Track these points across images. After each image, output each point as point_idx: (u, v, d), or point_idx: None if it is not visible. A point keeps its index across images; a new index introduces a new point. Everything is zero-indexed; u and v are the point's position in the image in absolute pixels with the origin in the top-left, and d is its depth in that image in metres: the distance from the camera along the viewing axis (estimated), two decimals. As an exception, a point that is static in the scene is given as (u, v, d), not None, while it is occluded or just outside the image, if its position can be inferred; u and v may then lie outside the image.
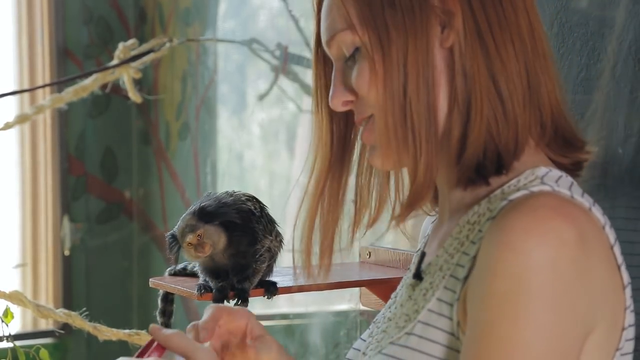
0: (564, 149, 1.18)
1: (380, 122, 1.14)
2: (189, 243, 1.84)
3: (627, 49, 1.67)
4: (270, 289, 1.96)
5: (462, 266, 1.12)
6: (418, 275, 1.21)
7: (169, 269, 2.11)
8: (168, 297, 2.06)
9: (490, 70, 1.12)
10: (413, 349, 1.13)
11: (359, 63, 1.15)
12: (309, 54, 2.97)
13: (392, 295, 1.29)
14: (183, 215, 1.88)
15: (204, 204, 1.87)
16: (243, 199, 1.92)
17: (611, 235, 1.10)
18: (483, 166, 1.13)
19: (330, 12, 1.17)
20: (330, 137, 1.25)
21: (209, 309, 1.23)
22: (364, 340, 1.27)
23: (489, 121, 1.12)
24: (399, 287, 1.28)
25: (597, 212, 1.10)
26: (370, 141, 1.19)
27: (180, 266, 2.08)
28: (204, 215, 1.85)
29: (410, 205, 1.16)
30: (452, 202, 1.21)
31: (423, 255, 1.25)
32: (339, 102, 1.19)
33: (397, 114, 1.13)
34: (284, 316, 3.10)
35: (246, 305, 1.89)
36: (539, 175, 1.12)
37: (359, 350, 1.27)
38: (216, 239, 1.85)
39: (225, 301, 1.88)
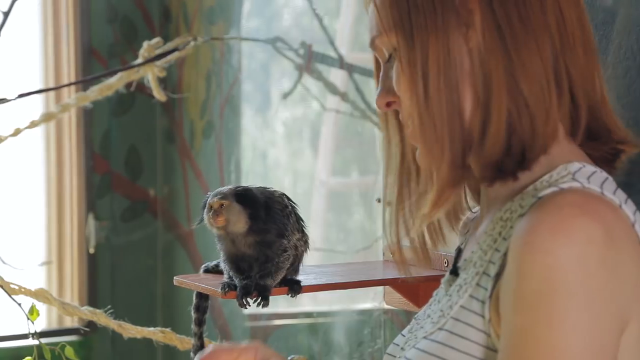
0: (602, 142, 1.18)
1: (412, 122, 1.17)
2: (211, 205, 1.86)
3: (653, 47, 1.66)
4: (295, 288, 1.97)
5: (493, 263, 1.12)
6: (454, 272, 1.22)
7: (203, 265, 2.13)
8: (203, 293, 2.06)
9: (509, 69, 1.12)
10: (444, 344, 1.14)
11: (395, 65, 1.18)
12: (333, 53, 2.97)
13: (434, 293, 1.30)
14: None
15: (246, 186, 1.90)
16: (277, 194, 1.95)
17: None
18: (502, 163, 1.14)
19: (371, 17, 1.21)
20: (400, 140, 1.27)
21: (207, 353, 1.18)
22: (404, 336, 1.28)
23: (509, 119, 1.12)
24: (440, 284, 1.29)
25: (629, 209, 1.10)
26: (411, 140, 1.20)
27: (213, 263, 2.09)
28: (238, 194, 1.87)
29: (435, 204, 1.16)
30: (490, 199, 1.22)
31: (459, 251, 1.26)
32: (382, 102, 1.22)
33: (423, 114, 1.14)
34: (308, 315, 3.10)
35: (267, 304, 1.89)
36: (571, 171, 1.12)
37: (398, 345, 1.28)
38: (234, 219, 1.86)
39: (248, 300, 1.89)
